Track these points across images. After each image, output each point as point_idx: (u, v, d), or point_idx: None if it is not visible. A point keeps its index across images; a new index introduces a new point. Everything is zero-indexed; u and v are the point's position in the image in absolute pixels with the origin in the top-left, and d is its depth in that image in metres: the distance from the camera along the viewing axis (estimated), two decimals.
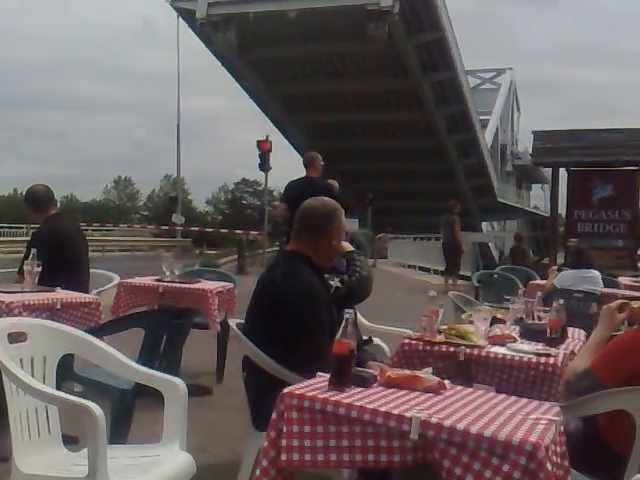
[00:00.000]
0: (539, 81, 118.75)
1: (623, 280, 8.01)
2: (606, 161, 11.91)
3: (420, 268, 23.87)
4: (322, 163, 6.67)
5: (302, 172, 6.72)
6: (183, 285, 5.19)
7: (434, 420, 1.77)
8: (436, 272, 21.77)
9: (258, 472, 1.94)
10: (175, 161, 39.78)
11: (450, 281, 13.36)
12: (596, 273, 6.58)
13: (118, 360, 2.52)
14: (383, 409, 1.84)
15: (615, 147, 11.96)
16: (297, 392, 1.95)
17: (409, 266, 25.75)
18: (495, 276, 8.84)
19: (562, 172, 12.76)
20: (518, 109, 57.61)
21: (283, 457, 1.88)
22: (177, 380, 2.45)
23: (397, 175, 41.19)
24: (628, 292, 6.47)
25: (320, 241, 2.79)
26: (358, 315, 4.23)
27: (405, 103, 37.76)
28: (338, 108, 38.68)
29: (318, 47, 33.03)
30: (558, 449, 1.91)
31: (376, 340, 3.87)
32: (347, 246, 3.07)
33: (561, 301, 3.35)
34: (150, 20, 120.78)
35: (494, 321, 3.56)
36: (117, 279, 5.24)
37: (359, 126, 40.45)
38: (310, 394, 1.93)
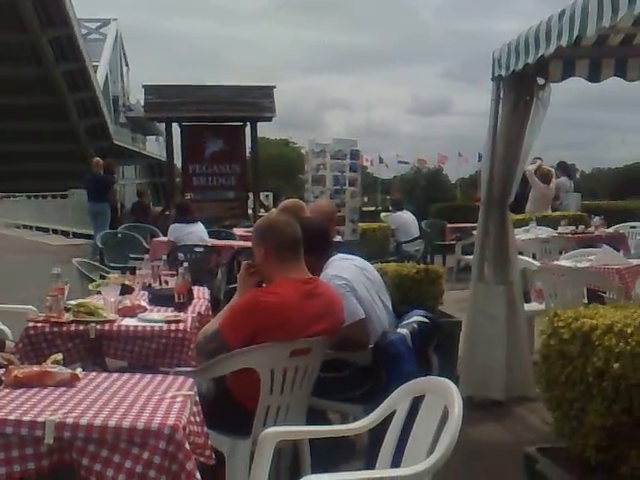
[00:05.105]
0: (146, 32, 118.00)
1: (238, 231, 8.71)
2: (214, 116, 12.51)
3: (37, 228, 22.42)
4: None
5: None
6: None
7: (69, 420, 1.71)
8: (55, 232, 20.67)
9: None
10: None
11: None
12: (201, 226, 7.26)
13: None
14: (12, 417, 1.72)
15: (219, 103, 12.59)
16: None
17: (24, 226, 24.07)
18: (119, 236, 8.79)
19: (176, 126, 13.03)
20: (127, 64, 56.70)
21: None
22: None
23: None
24: (242, 243, 7.04)
25: None
26: None
27: (5, 22, 34.05)
28: None
29: None
30: (197, 418, 2.00)
31: None
32: None
33: (181, 255, 3.47)
34: None
35: (123, 289, 3.54)
36: None
37: None
38: None
